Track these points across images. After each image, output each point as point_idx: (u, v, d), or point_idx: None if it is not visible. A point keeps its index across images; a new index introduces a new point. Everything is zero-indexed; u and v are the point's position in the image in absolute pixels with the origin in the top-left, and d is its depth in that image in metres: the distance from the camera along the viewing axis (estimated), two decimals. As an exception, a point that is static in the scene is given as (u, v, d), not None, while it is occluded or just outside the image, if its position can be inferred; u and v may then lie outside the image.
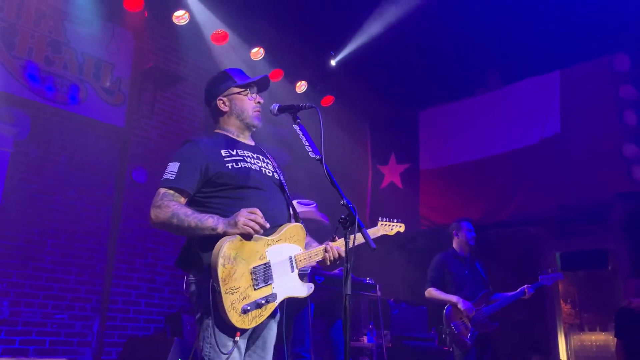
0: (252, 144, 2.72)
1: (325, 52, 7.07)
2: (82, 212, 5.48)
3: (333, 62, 7.13)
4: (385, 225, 3.35)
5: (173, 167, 2.40)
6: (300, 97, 7.06)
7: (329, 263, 2.57)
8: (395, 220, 3.20)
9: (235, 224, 2.22)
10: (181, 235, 2.36)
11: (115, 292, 5.51)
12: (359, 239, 2.49)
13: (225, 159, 2.47)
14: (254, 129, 2.71)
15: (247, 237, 2.25)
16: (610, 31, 6.00)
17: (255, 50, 6.51)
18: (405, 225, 3.30)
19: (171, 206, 2.29)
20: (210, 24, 6.07)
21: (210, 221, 2.25)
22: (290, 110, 2.55)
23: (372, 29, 6.52)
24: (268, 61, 6.65)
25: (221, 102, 2.64)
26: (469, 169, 7.22)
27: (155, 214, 2.30)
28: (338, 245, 2.59)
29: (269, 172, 2.60)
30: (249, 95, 2.65)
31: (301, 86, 7.15)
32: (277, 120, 2.87)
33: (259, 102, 2.68)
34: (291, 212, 2.64)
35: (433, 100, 7.76)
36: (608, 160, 6.00)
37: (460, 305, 4.83)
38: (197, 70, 6.61)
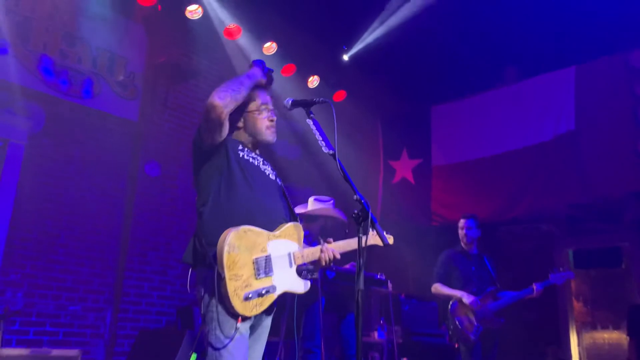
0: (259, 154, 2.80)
1: (338, 46, 7.04)
2: (95, 205, 5.53)
3: (345, 57, 7.09)
4: (376, 235, 3.36)
5: None
6: (313, 92, 7.04)
7: (324, 264, 2.64)
8: (385, 232, 3.25)
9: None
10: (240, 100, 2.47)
11: (127, 284, 5.56)
12: (370, 240, 2.56)
13: (239, 150, 2.58)
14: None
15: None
16: (626, 28, 5.91)
17: (268, 44, 6.48)
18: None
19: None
20: (224, 18, 6.07)
21: (247, 78, 2.55)
22: (304, 104, 2.59)
23: (385, 24, 6.48)
24: (280, 55, 6.62)
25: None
26: (482, 165, 7.16)
27: (213, 96, 2.38)
28: (333, 247, 2.67)
29: (272, 176, 2.70)
30: (262, 113, 2.66)
31: (313, 81, 7.12)
32: (290, 114, 2.89)
33: (272, 120, 2.69)
34: (290, 214, 2.70)
35: (446, 96, 7.69)
36: (622, 157, 5.92)
37: (465, 299, 4.81)
38: (210, 65, 6.62)
